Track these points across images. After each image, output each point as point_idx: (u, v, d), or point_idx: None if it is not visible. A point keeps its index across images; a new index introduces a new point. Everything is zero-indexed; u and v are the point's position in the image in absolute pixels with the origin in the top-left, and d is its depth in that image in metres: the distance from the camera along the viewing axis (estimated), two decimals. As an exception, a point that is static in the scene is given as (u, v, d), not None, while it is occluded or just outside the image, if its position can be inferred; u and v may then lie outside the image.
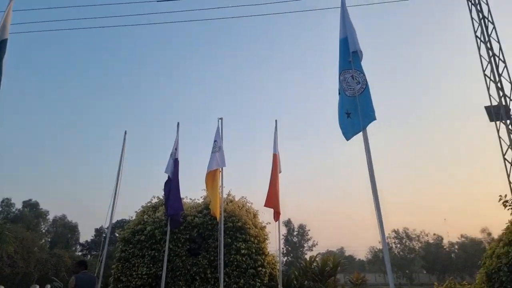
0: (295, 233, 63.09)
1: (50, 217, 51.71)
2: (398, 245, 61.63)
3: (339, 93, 5.21)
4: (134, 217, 8.03)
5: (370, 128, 4.91)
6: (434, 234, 59.78)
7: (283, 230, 54.61)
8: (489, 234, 52.76)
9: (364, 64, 5.22)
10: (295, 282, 7.45)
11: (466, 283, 7.66)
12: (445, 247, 56.71)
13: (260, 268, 7.28)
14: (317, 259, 8.34)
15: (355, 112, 4.92)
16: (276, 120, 8.29)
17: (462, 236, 55.84)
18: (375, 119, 4.90)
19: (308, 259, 8.67)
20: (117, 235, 7.97)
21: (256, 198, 9.22)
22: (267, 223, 8.38)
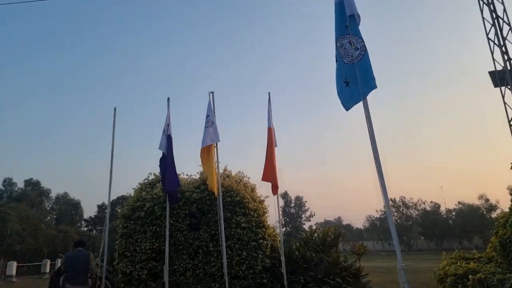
0: (292, 204, 64.28)
1: (53, 195, 52.37)
2: (395, 213, 63.09)
3: (336, 60, 4.96)
4: (132, 194, 7.99)
5: (370, 96, 4.70)
6: (431, 202, 60.90)
7: (281, 202, 55.72)
8: (487, 200, 53.78)
9: (362, 29, 4.94)
10: (297, 253, 7.52)
11: (476, 251, 7.70)
12: (442, 214, 57.88)
13: (261, 241, 7.33)
14: (317, 230, 8.41)
15: (354, 80, 4.69)
16: (269, 93, 8.05)
17: (459, 203, 56.91)
18: (375, 87, 4.69)
19: (307, 229, 8.72)
20: (119, 210, 7.96)
21: (253, 173, 9.17)
22: (265, 197, 8.37)
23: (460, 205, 56.41)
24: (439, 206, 59.64)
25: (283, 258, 7.02)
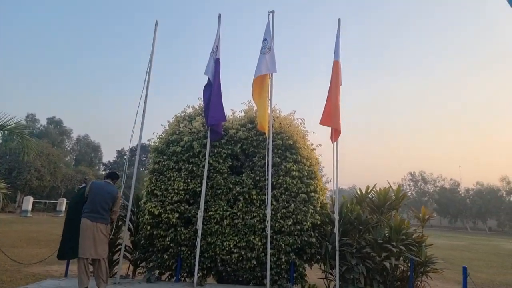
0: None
1: (74, 135, 53.00)
2: (413, 188, 62.09)
3: None
4: (166, 127, 6.88)
5: None
6: (451, 179, 59.43)
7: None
8: (509, 182, 52.02)
9: None
10: (349, 214, 6.43)
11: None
12: (460, 192, 56.64)
13: (312, 194, 6.25)
14: (374, 188, 7.26)
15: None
16: (339, 19, 6.61)
17: (477, 183, 55.60)
18: None
19: (364, 189, 7.50)
20: (141, 158, 6.89)
21: (303, 116, 7.79)
22: (317, 145, 7.16)
23: (478, 186, 55.16)
24: (459, 184, 58.43)
25: (336, 216, 5.98)
